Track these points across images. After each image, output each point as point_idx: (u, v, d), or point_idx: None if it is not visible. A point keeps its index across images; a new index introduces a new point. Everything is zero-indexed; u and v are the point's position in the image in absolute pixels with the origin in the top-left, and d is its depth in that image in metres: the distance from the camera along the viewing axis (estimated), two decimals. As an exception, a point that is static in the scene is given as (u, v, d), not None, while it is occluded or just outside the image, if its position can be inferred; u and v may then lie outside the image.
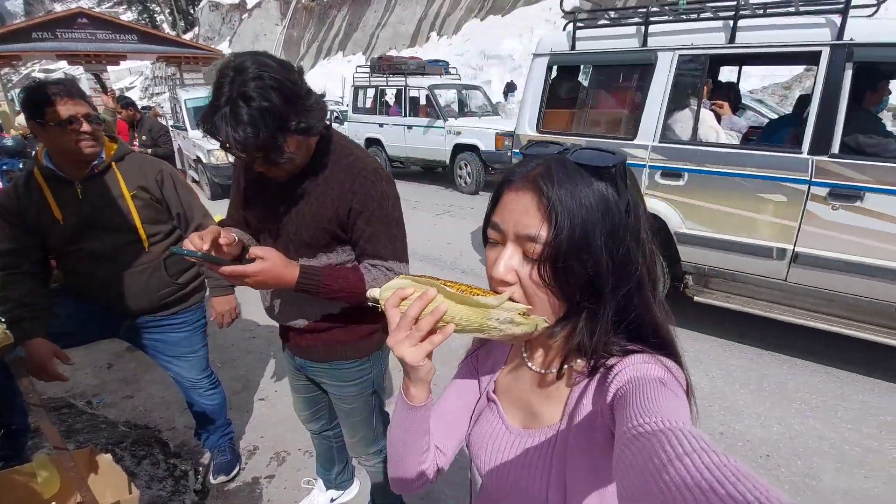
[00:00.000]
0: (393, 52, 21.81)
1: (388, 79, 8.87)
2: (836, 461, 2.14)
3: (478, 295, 0.53)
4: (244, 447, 2.29)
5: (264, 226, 1.26)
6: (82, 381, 2.85)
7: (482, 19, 23.74)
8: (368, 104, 9.60)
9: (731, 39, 2.79)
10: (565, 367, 0.62)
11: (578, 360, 0.61)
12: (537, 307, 0.55)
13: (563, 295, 0.54)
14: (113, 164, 1.60)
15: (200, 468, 2.14)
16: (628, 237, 0.53)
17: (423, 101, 8.64)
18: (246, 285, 1.04)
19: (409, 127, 8.66)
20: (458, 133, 7.99)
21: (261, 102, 0.96)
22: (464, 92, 9.19)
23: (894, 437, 2.28)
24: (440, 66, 9.79)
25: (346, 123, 10.03)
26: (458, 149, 8.07)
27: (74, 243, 1.57)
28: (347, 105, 10.10)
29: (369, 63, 9.50)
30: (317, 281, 1.10)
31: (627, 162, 0.55)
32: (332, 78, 23.43)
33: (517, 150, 3.85)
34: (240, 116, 0.96)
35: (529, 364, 0.68)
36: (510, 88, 16.39)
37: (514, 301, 0.53)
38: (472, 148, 7.82)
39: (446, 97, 9.09)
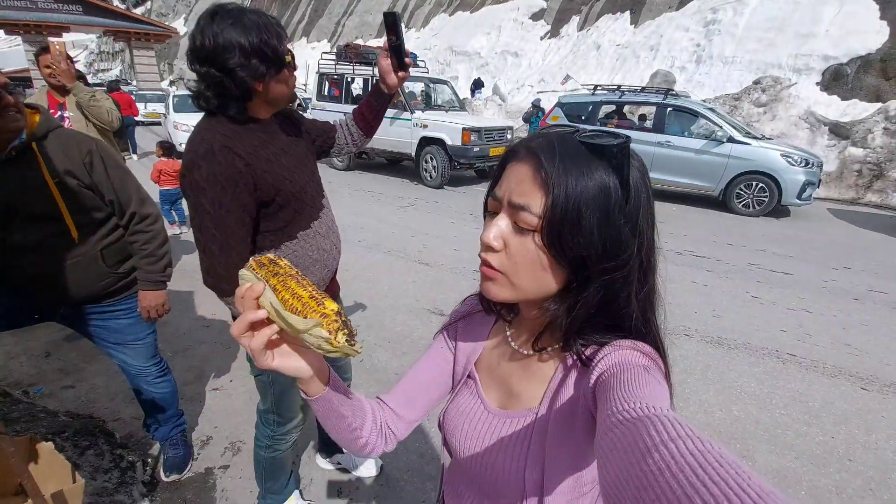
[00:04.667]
0: (360, 42, 21.43)
1: (355, 68, 8.73)
2: (770, 443, 2.31)
3: (296, 310, 0.49)
4: (197, 438, 2.21)
5: (307, 185, 1.34)
6: (17, 370, 2.66)
7: (451, 14, 23.71)
8: (333, 92, 9.41)
9: None
10: (548, 349, 0.62)
11: (554, 345, 0.62)
12: (521, 280, 0.55)
13: (551, 271, 0.53)
14: (33, 144, 1.39)
15: (149, 459, 2.05)
16: (622, 221, 0.52)
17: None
18: None
19: (375, 118, 8.55)
20: (425, 126, 7.98)
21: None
22: (431, 85, 9.16)
23: (819, 421, 2.48)
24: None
25: (309, 111, 9.78)
26: (425, 142, 8.06)
27: None
28: (309, 92, 9.83)
29: (335, 50, 9.31)
30: None
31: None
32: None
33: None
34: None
35: (512, 343, 0.67)
36: (477, 85, 16.50)
37: (334, 327, 0.48)
38: (439, 142, 7.83)
39: (413, 90, 9.04)
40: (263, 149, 1.21)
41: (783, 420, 2.48)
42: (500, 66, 19.24)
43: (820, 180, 7.02)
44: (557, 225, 0.50)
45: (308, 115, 9.65)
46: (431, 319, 3.46)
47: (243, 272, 0.54)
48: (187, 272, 4.12)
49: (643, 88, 8.59)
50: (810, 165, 6.66)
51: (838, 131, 9.07)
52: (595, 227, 0.51)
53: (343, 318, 0.49)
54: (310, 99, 10.26)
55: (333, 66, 9.11)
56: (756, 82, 10.27)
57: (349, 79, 9.03)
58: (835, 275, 4.65)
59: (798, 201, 6.63)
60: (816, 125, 9.27)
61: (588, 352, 0.58)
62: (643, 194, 0.54)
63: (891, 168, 8.22)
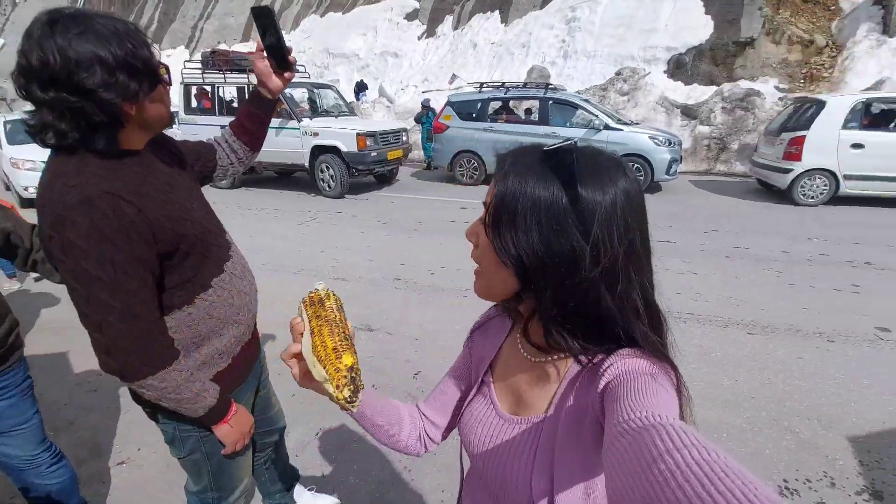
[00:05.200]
0: (224, 47, 19.82)
1: (227, 76, 8.02)
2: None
3: (320, 357, 0.58)
4: (106, 527, 1.85)
5: (206, 221, 1.15)
6: None
7: (322, 16, 22.98)
8: (204, 104, 8.57)
9: None
10: (554, 356, 0.63)
11: (560, 353, 0.62)
12: (485, 272, 0.60)
13: (503, 268, 0.56)
14: None
15: (45, 570, 1.66)
16: (569, 226, 0.51)
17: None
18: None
19: (258, 128, 7.94)
20: (315, 134, 7.60)
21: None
22: (315, 91, 8.76)
23: (722, 369, 2.82)
24: (286, 63, 9.16)
25: (177, 126, 8.77)
26: (318, 151, 7.69)
27: None
28: (174, 105, 8.82)
29: (200, 58, 8.47)
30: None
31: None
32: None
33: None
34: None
35: (522, 351, 0.68)
36: (361, 88, 16.19)
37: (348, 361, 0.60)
38: (333, 149, 7.52)
39: (293, 95, 8.54)
40: (147, 186, 0.97)
41: (695, 374, 2.77)
42: (381, 67, 19.11)
43: (681, 157, 8.02)
44: (496, 215, 0.55)
45: (176, 129, 8.66)
46: (359, 336, 3.29)
47: (300, 306, 0.64)
48: (50, 329, 3.46)
49: (525, 84, 9.09)
50: (672, 144, 7.58)
51: (688, 112, 10.46)
52: (535, 227, 0.52)
53: (352, 374, 0.57)
54: (176, 112, 9.22)
55: (201, 76, 8.28)
56: (618, 73, 11.42)
57: (220, 88, 8.28)
58: (706, 238, 5.34)
59: (667, 177, 7.51)
60: (670, 109, 10.59)
61: (595, 360, 0.58)
62: (605, 205, 0.52)
63: (731, 141, 9.69)
